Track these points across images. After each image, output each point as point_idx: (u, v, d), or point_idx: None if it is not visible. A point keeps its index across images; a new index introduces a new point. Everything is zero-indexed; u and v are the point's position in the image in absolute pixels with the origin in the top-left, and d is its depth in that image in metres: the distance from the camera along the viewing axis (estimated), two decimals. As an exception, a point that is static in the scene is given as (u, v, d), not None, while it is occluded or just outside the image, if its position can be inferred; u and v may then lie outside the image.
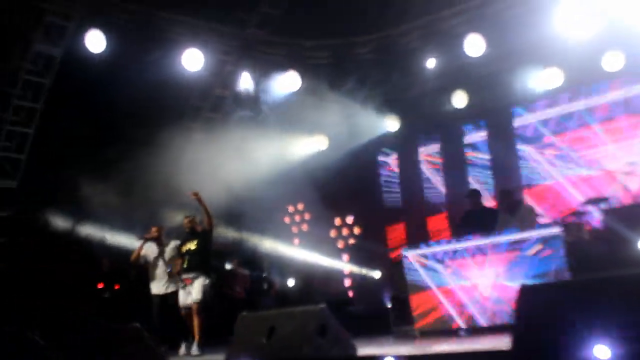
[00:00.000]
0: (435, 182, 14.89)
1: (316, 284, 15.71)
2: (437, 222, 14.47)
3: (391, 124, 14.88)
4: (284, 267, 15.82)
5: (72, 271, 13.55)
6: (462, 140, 14.58)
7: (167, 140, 14.98)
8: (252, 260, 15.28)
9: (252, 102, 14.57)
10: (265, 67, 13.91)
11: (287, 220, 16.89)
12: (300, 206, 16.78)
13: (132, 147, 13.02)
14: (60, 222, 13.42)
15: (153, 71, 12.82)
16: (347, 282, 15.70)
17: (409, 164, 15.33)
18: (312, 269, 15.68)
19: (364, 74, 14.34)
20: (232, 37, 13.95)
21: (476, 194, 10.65)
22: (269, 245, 15.87)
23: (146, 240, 10.12)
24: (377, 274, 15.01)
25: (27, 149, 13.42)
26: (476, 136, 14.44)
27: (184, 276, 9.66)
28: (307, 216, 16.69)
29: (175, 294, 9.85)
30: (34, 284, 11.97)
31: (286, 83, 13.58)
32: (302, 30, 14.17)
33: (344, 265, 15.83)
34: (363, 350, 5.75)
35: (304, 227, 16.67)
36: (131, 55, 12.67)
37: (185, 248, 9.85)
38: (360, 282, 15.38)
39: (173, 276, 9.99)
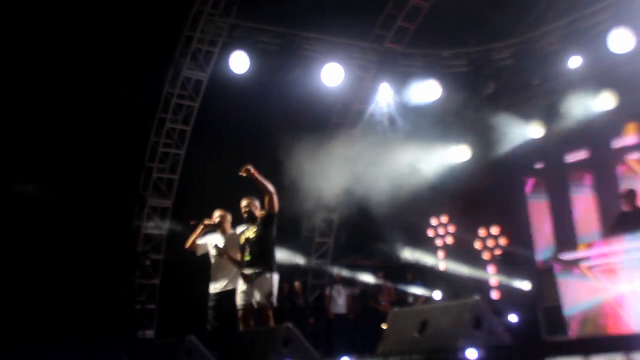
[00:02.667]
0: (583, 186, 14.31)
1: (462, 296, 15.46)
2: (587, 226, 13.87)
3: (535, 130, 14.45)
4: (430, 279, 15.68)
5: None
6: (610, 142, 13.93)
7: (310, 156, 15.39)
8: (398, 273, 15.24)
9: (392, 115, 14.63)
10: (404, 79, 13.96)
11: (431, 233, 16.75)
12: (444, 219, 16.60)
13: (277, 164, 13.45)
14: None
15: (294, 89, 13.27)
16: (495, 294, 15.33)
17: (555, 170, 14.83)
18: (458, 281, 15.46)
19: (505, 80, 14.12)
20: (370, 52, 14.15)
21: (632, 194, 10.17)
22: (414, 257, 15.80)
23: (205, 226, 8.63)
24: (526, 285, 14.57)
25: (180, 169, 14.16)
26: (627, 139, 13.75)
27: (244, 271, 8.03)
28: (451, 229, 16.47)
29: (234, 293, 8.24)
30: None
31: (426, 93, 13.52)
32: (439, 40, 14.19)
33: (491, 276, 15.49)
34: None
35: (449, 239, 16.46)
36: (273, 74, 13.15)
37: (243, 237, 8.20)
38: (509, 294, 14.98)
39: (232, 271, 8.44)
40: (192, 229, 8.68)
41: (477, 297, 5.53)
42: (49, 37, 11.94)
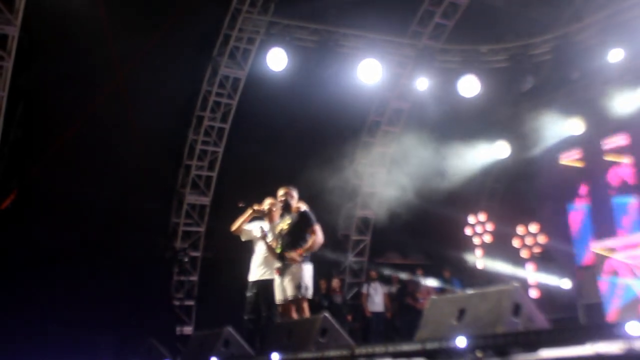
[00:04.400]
0: (625, 181, 14.08)
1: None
2: (628, 225, 13.65)
3: (575, 126, 14.25)
4: (468, 277, 15.56)
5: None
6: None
7: (347, 154, 15.44)
8: (436, 270, 15.15)
9: (430, 111, 14.55)
10: (442, 75, 13.88)
11: (470, 231, 16.60)
12: (482, 216, 16.45)
13: (313, 161, 13.49)
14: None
15: (331, 86, 13.28)
16: (534, 293, 15.13)
17: (596, 166, 14.61)
18: (496, 280, 15.31)
19: (544, 76, 13.95)
20: (407, 48, 14.11)
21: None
22: (453, 255, 15.71)
23: (254, 211, 8.32)
24: (566, 283, 14.38)
25: (218, 167, 14.27)
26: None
27: (276, 265, 7.85)
28: (490, 226, 16.32)
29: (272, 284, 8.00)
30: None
31: (465, 89, 13.39)
32: (476, 36, 14.09)
33: (530, 275, 15.31)
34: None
35: (487, 237, 16.31)
36: (310, 71, 13.17)
37: (278, 228, 7.99)
38: (549, 292, 14.80)
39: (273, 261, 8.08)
40: (241, 211, 8.37)
41: (516, 284, 5.47)
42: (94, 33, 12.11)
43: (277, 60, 12.74)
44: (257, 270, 8.37)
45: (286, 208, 8.02)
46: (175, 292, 13.99)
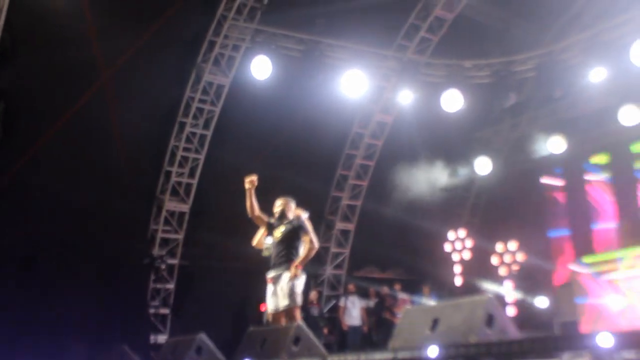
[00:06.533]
0: (604, 202, 14.15)
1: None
2: (607, 244, 13.70)
3: (557, 144, 14.27)
4: (446, 293, 15.53)
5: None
6: (633, 158, 13.78)
7: (329, 165, 15.43)
8: (414, 285, 15.12)
9: (413, 125, 14.55)
10: (426, 89, 13.88)
11: (449, 247, 16.57)
12: (462, 233, 16.44)
13: (295, 171, 13.46)
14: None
15: (316, 96, 13.25)
16: (511, 310, 15.11)
17: (576, 186, 14.68)
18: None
19: (527, 93, 14.01)
20: (392, 61, 14.12)
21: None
22: (432, 271, 15.69)
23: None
24: (544, 301, 14.38)
25: (199, 174, 14.18)
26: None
27: (268, 274, 7.88)
28: (469, 243, 16.30)
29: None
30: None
31: (448, 103, 13.37)
32: (461, 51, 14.14)
33: (508, 292, 15.29)
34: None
35: (467, 253, 16.28)
36: (295, 80, 13.14)
37: (272, 237, 8.00)
38: (526, 310, 14.79)
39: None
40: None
41: (489, 295, 5.44)
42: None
43: (261, 68, 12.62)
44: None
45: (282, 218, 8.01)
46: (150, 299, 13.84)
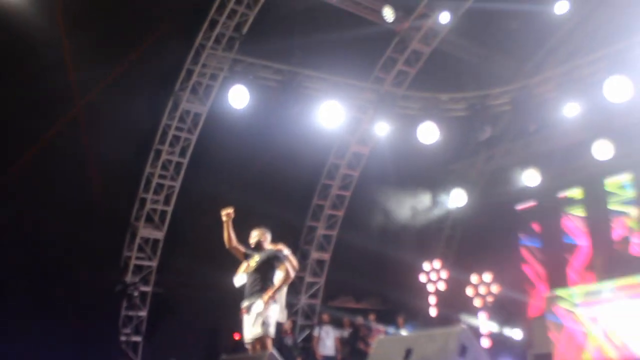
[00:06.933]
0: (579, 235, 14.29)
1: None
2: (581, 276, 13.81)
3: (531, 177, 14.41)
4: (421, 324, 15.52)
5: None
6: (607, 193, 13.96)
7: (305, 195, 15.46)
8: (389, 316, 15.09)
9: (389, 157, 14.65)
10: (402, 121, 14.00)
11: (424, 278, 16.59)
12: (437, 264, 16.47)
13: (271, 201, 13.43)
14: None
15: (293, 126, 13.30)
16: (486, 342, 15.12)
17: (551, 219, 14.82)
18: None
19: (502, 127, 14.17)
20: (369, 93, 14.24)
21: (626, 242, 10.16)
22: (407, 301, 15.69)
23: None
24: (518, 333, 14.42)
25: (174, 202, 14.12)
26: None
27: (242, 304, 7.86)
28: (444, 274, 16.33)
29: None
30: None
31: (424, 136, 13.46)
32: (438, 84, 14.30)
33: (483, 324, 15.31)
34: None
35: (442, 284, 16.31)
36: (272, 110, 13.19)
37: (246, 266, 8.07)
38: (501, 342, 14.81)
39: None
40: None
41: (463, 325, 5.46)
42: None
43: (239, 97, 12.64)
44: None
45: (257, 249, 8.09)
46: (122, 327, 13.66)
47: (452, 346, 5.33)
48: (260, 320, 7.59)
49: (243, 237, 8.17)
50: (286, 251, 8.18)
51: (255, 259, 7.97)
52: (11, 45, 11.31)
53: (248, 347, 7.81)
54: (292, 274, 8.04)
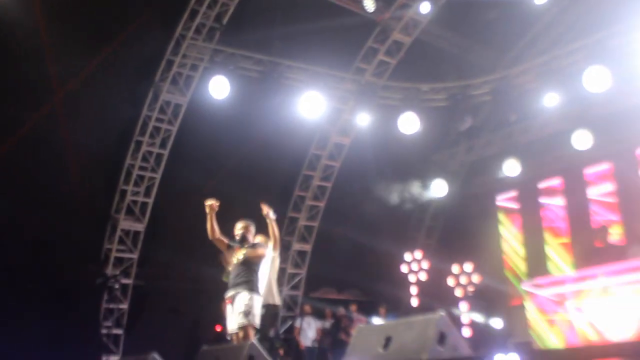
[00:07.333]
0: (558, 224, 14.38)
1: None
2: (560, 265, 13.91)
3: (511, 167, 14.45)
4: (403, 314, 15.56)
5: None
6: (585, 183, 14.04)
7: (286, 186, 15.43)
8: (371, 306, 15.12)
9: (370, 147, 14.65)
10: (383, 111, 14.00)
11: (405, 268, 16.63)
12: (418, 254, 16.52)
13: (252, 192, 13.40)
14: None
15: (273, 117, 13.28)
16: (467, 332, 15.19)
17: (530, 208, 14.89)
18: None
19: (483, 117, 14.21)
20: (350, 83, 14.23)
21: (604, 230, 10.25)
22: (389, 292, 15.73)
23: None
24: (498, 323, 14.50)
25: (154, 194, 14.05)
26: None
27: (226, 295, 7.96)
28: (425, 264, 16.38)
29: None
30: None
31: (405, 126, 13.45)
32: (418, 74, 14.31)
33: (463, 313, 15.39)
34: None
35: (423, 275, 16.36)
36: (253, 101, 13.15)
37: (232, 260, 8.12)
38: (481, 331, 14.89)
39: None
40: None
41: (442, 313, 5.47)
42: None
43: (219, 88, 12.56)
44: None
45: (242, 241, 8.12)
46: (103, 319, 13.59)
47: (431, 334, 5.34)
48: (244, 310, 7.66)
49: (224, 229, 8.19)
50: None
51: (241, 252, 8.01)
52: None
53: (232, 337, 7.88)
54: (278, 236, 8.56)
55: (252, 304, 7.73)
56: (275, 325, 8.78)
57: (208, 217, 8.05)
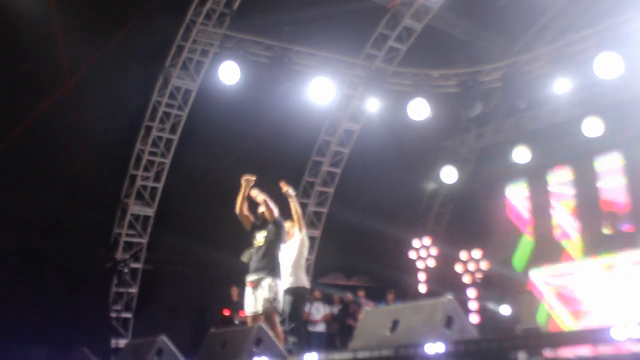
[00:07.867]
0: (566, 212, 14.34)
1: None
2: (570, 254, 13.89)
3: (521, 154, 14.41)
4: (410, 300, 15.59)
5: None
6: (595, 170, 13.99)
7: (296, 171, 15.44)
8: (379, 293, 15.15)
9: (380, 133, 14.62)
10: (393, 98, 13.96)
11: (414, 254, 16.65)
12: (427, 240, 16.54)
13: (261, 178, 13.41)
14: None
15: (283, 102, 13.28)
16: (475, 318, 15.22)
17: (540, 196, 14.86)
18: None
19: (493, 103, 14.15)
20: (359, 69, 14.20)
21: (614, 216, 10.23)
22: (397, 278, 15.75)
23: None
24: (506, 309, 14.50)
25: (164, 179, 14.10)
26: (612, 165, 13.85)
27: (248, 278, 7.96)
28: (434, 251, 16.40)
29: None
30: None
31: (415, 112, 13.42)
32: (429, 60, 14.26)
33: (472, 300, 15.41)
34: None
35: (431, 261, 16.37)
36: (263, 86, 13.15)
37: (255, 242, 8.10)
38: (489, 318, 14.91)
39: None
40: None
41: (449, 296, 5.48)
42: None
43: (229, 73, 12.56)
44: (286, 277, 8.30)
45: (265, 222, 8.08)
46: (113, 303, 13.70)
47: (439, 317, 5.35)
48: (269, 295, 7.66)
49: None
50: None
51: (262, 233, 8.01)
52: (1, 21, 11.24)
53: (248, 320, 7.90)
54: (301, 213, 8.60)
55: (277, 290, 7.74)
56: (303, 309, 8.71)
57: (240, 191, 8.06)
